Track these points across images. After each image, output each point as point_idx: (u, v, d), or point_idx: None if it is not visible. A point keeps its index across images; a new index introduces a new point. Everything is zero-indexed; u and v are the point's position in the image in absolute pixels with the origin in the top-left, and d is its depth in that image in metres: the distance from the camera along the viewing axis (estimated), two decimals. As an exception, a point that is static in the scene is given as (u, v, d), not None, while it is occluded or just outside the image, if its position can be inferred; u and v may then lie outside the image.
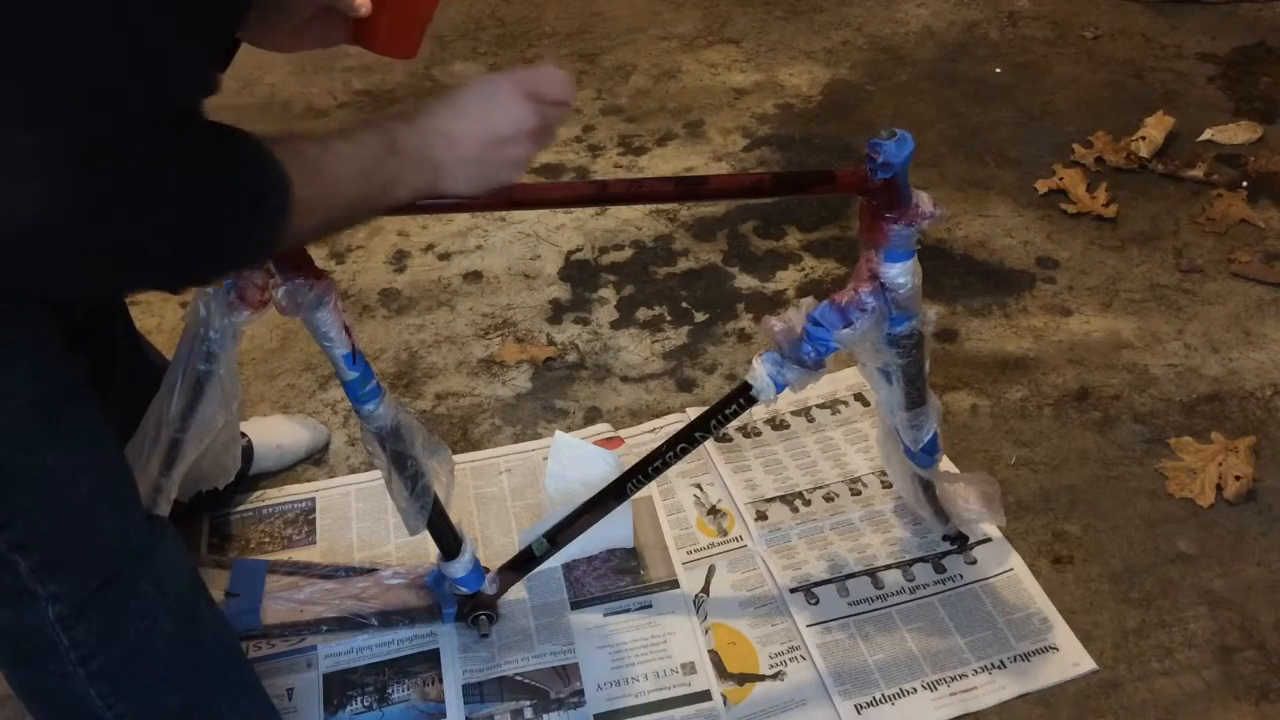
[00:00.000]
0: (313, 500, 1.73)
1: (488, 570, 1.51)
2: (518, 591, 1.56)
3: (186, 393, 1.32)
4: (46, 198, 0.79)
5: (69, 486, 1.04)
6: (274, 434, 1.77)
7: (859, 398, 1.87)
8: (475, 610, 1.51)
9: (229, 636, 1.25)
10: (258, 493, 1.74)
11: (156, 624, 1.12)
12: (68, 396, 1.05)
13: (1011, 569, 1.58)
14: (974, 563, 1.59)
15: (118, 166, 0.81)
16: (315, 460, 1.80)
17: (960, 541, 1.60)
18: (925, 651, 1.48)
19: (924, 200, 1.22)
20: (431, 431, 1.37)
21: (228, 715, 1.23)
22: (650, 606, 1.56)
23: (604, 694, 1.45)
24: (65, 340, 1.06)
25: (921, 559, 1.60)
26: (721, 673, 1.47)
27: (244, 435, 1.71)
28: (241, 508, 1.72)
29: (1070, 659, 1.46)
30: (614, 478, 1.44)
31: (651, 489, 1.68)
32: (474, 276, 2.18)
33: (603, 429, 1.83)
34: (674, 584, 1.59)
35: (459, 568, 1.46)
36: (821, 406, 1.86)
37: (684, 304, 2.10)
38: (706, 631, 1.52)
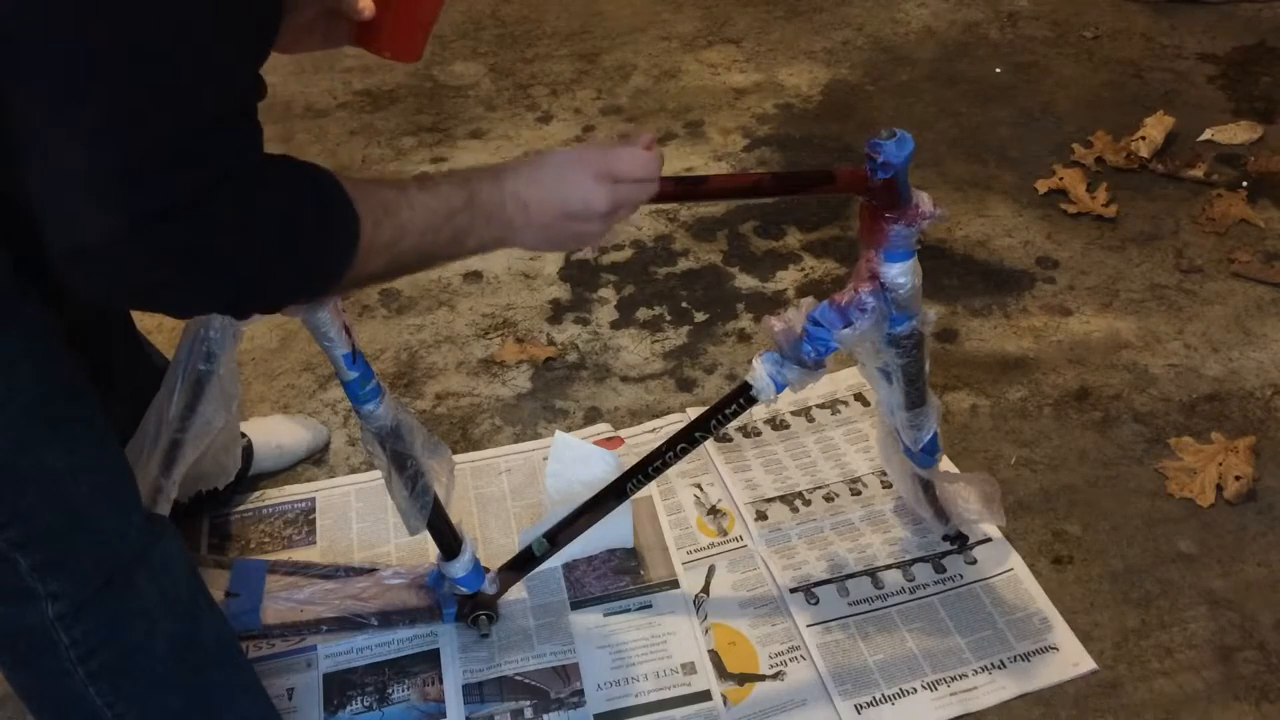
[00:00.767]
0: (313, 500, 1.73)
1: (488, 570, 1.51)
2: (518, 591, 1.56)
3: (186, 393, 1.32)
4: (124, 225, 0.81)
5: (70, 486, 1.04)
6: (274, 434, 1.77)
7: (859, 398, 1.87)
8: (475, 610, 1.51)
9: (229, 636, 1.25)
10: (258, 493, 1.74)
11: (156, 623, 1.12)
12: (69, 396, 1.05)
13: (1011, 569, 1.58)
14: (974, 563, 1.59)
15: (197, 197, 0.82)
16: (315, 460, 1.80)
17: (960, 541, 1.60)
18: (925, 651, 1.48)
19: (924, 200, 1.23)
20: (431, 431, 1.37)
21: (227, 715, 1.23)
22: (650, 606, 1.56)
23: (604, 694, 1.45)
24: (66, 340, 1.06)
25: (921, 559, 1.60)
26: (721, 673, 1.47)
27: (244, 435, 1.71)
28: (241, 508, 1.72)
29: (1070, 659, 1.46)
30: (614, 478, 1.44)
31: (651, 489, 1.68)
32: (474, 276, 2.18)
33: (603, 429, 1.83)
34: (674, 584, 1.59)
35: (459, 568, 1.46)
36: (821, 406, 1.86)
37: (684, 304, 2.10)
38: (706, 631, 1.52)
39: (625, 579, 1.60)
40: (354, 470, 1.79)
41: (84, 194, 0.81)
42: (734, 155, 2.50)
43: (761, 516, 1.67)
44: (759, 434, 1.82)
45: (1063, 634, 1.49)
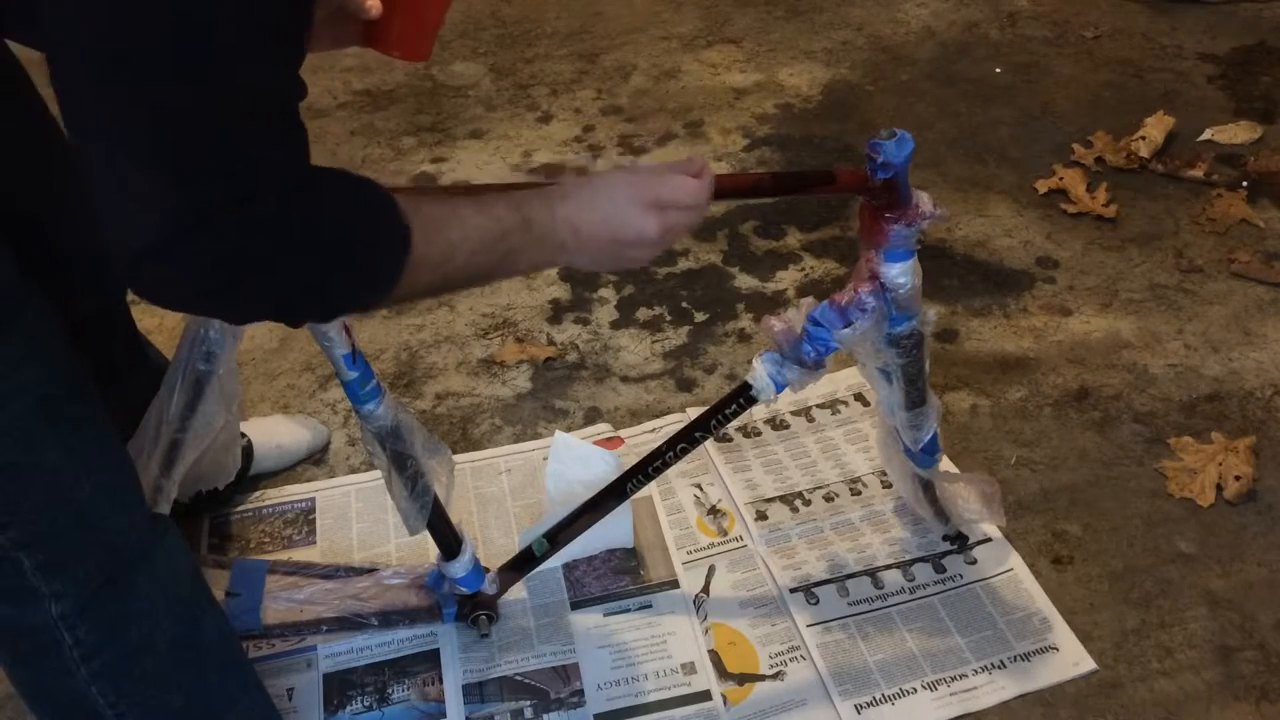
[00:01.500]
0: (313, 500, 1.73)
1: (488, 570, 1.51)
2: (518, 591, 1.56)
3: (186, 393, 1.32)
4: (173, 231, 0.82)
5: (73, 486, 1.05)
6: (274, 434, 1.77)
7: (859, 398, 1.87)
8: (475, 610, 1.51)
9: (230, 636, 1.25)
10: (258, 493, 1.74)
11: (158, 623, 1.13)
12: (72, 396, 1.05)
13: (1011, 569, 1.58)
14: (974, 563, 1.59)
15: (245, 202, 0.83)
16: (315, 460, 1.80)
17: (960, 541, 1.60)
18: (925, 651, 1.48)
19: (924, 200, 1.23)
20: (431, 431, 1.37)
21: (228, 715, 1.23)
22: (650, 606, 1.56)
23: (604, 694, 1.45)
24: (69, 340, 1.07)
25: (921, 559, 1.60)
26: (721, 673, 1.47)
27: (244, 435, 1.71)
28: (241, 508, 1.72)
29: (1070, 659, 1.46)
30: (614, 478, 1.44)
31: (651, 489, 1.68)
32: (474, 276, 2.17)
33: (603, 429, 1.83)
34: (674, 584, 1.59)
35: (459, 568, 1.46)
36: (821, 406, 1.86)
37: (684, 304, 2.10)
38: (706, 631, 1.52)
39: (625, 579, 1.60)
40: (354, 470, 1.79)
41: (134, 202, 0.82)
42: (734, 155, 2.50)
43: (761, 516, 1.67)
44: (759, 434, 1.82)
45: (1063, 634, 1.49)
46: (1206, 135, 2.45)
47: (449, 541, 1.45)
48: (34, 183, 1.22)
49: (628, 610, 1.56)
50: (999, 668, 1.45)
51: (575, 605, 1.56)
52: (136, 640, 1.12)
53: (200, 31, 0.79)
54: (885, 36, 2.92)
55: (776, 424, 1.84)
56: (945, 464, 1.64)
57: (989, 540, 1.61)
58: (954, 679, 1.44)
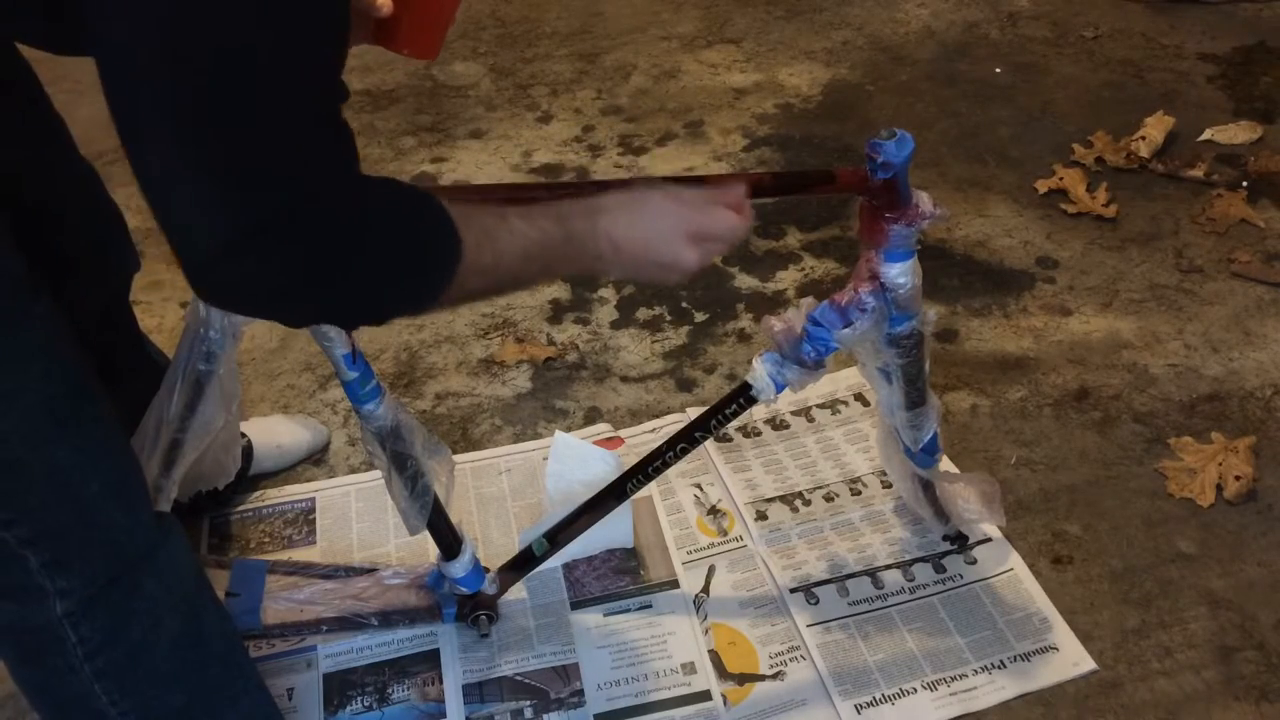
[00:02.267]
0: (313, 500, 1.73)
1: (488, 570, 1.51)
2: (518, 591, 1.56)
3: (186, 393, 1.32)
4: (226, 237, 0.84)
5: (80, 484, 1.05)
6: (274, 434, 1.77)
7: (859, 398, 1.87)
8: (475, 610, 1.51)
9: (232, 635, 1.26)
10: (258, 493, 1.74)
11: (162, 622, 1.13)
12: (80, 395, 1.06)
13: (1011, 569, 1.58)
14: (974, 563, 1.59)
15: (305, 211, 0.85)
16: (315, 460, 1.80)
17: (960, 541, 1.60)
18: (925, 651, 1.48)
19: (924, 200, 1.23)
20: (431, 431, 1.37)
21: (230, 713, 1.24)
22: (650, 606, 1.56)
23: (604, 694, 1.45)
24: (75, 338, 1.07)
25: (921, 559, 1.60)
26: (721, 673, 1.47)
27: (244, 435, 1.71)
28: (241, 508, 1.72)
29: (1070, 659, 1.46)
30: (614, 478, 1.44)
31: (651, 489, 1.68)
32: (474, 276, 2.17)
33: (603, 429, 1.83)
34: (674, 584, 1.59)
35: (459, 568, 1.47)
36: (821, 406, 1.86)
37: (684, 304, 2.10)
38: (706, 631, 1.52)
39: (625, 579, 1.60)
40: (354, 470, 1.79)
41: (191, 208, 0.84)
42: (734, 155, 2.50)
43: (761, 516, 1.67)
44: (759, 434, 1.82)
45: (1063, 634, 1.49)
46: (1206, 135, 2.45)
47: (449, 541, 1.45)
48: (41, 182, 1.23)
49: (628, 610, 1.56)
50: (999, 668, 1.45)
51: (575, 605, 1.56)
52: (140, 639, 1.12)
53: (254, 36, 0.80)
54: (885, 36, 2.92)
55: (776, 424, 1.84)
56: (945, 464, 1.64)
57: (989, 540, 1.61)
58: (954, 679, 1.44)
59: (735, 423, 1.42)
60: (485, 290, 1.03)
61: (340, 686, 1.47)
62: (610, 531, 1.58)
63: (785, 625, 1.52)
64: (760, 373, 1.29)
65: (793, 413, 1.85)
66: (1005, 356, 1.94)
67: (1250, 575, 1.56)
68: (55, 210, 1.23)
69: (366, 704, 1.45)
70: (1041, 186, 2.33)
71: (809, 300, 1.29)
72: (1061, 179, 2.33)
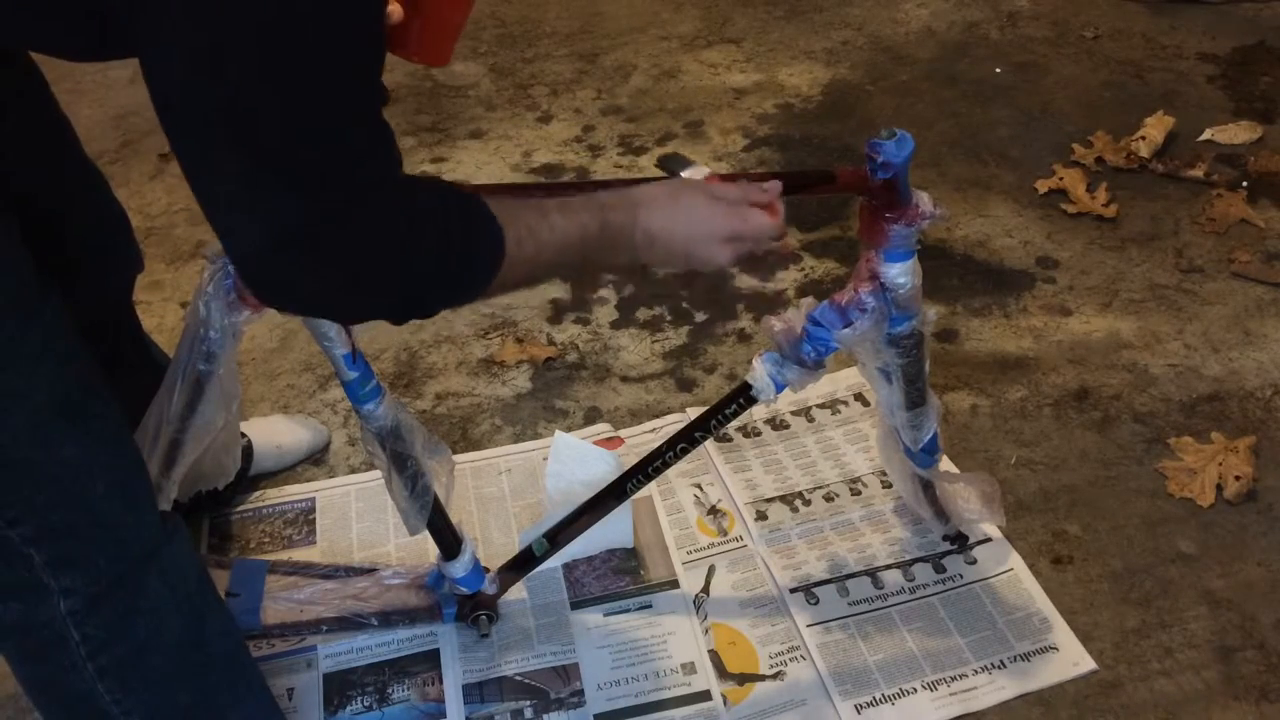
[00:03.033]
0: (313, 500, 1.73)
1: (488, 570, 1.51)
2: (518, 591, 1.56)
3: (186, 393, 1.32)
4: (273, 236, 0.87)
5: (86, 482, 1.05)
6: (274, 434, 1.77)
7: (859, 398, 1.87)
8: (475, 610, 1.51)
9: (235, 635, 1.26)
10: (258, 493, 1.74)
11: (165, 621, 1.13)
12: (88, 393, 1.06)
13: (1011, 569, 1.58)
14: (974, 563, 1.59)
15: (350, 210, 0.88)
16: (315, 460, 1.80)
17: (960, 541, 1.60)
18: (925, 651, 1.48)
19: (924, 200, 1.23)
20: (431, 431, 1.37)
21: (232, 712, 1.24)
22: (650, 606, 1.56)
23: (604, 694, 1.45)
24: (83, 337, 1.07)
25: (921, 559, 1.60)
26: (721, 673, 1.47)
27: (244, 435, 1.71)
28: (241, 508, 1.72)
29: (1070, 659, 1.46)
30: (614, 478, 1.44)
31: (651, 489, 1.68)
32: (474, 276, 2.17)
33: (603, 429, 1.83)
34: (674, 584, 1.59)
35: (459, 568, 1.47)
36: (821, 406, 1.86)
37: (684, 304, 2.10)
38: (706, 631, 1.52)
39: (625, 579, 1.60)
40: (354, 470, 1.79)
41: (242, 207, 0.86)
42: (734, 155, 2.50)
43: (761, 516, 1.67)
44: (759, 434, 1.82)
45: (1063, 634, 1.49)
46: (1206, 135, 2.45)
47: (449, 541, 1.45)
48: (49, 183, 1.24)
49: (628, 610, 1.56)
50: (999, 668, 1.45)
51: (575, 605, 1.56)
52: (143, 638, 1.12)
53: (296, 37, 0.81)
54: (885, 36, 2.92)
55: (776, 424, 1.84)
56: (945, 464, 1.64)
57: (989, 540, 1.61)
58: (954, 679, 1.44)
59: (735, 423, 1.42)
60: (525, 281, 1.07)
61: (340, 686, 1.47)
62: (610, 531, 1.58)
63: (785, 625, 1.52)
64: (760, 373, 1.29)
65: (793, 413, 1.85)
66: (1005, 356, 1.94)
67: (1250, 575, 1.56)
68: (62, 210, 1.24)
69: (366, 704, 1.45)
70: (1041, 186, 2.33)
71: (809, 300, 1.29)
72: (1061, 179, 2.33)
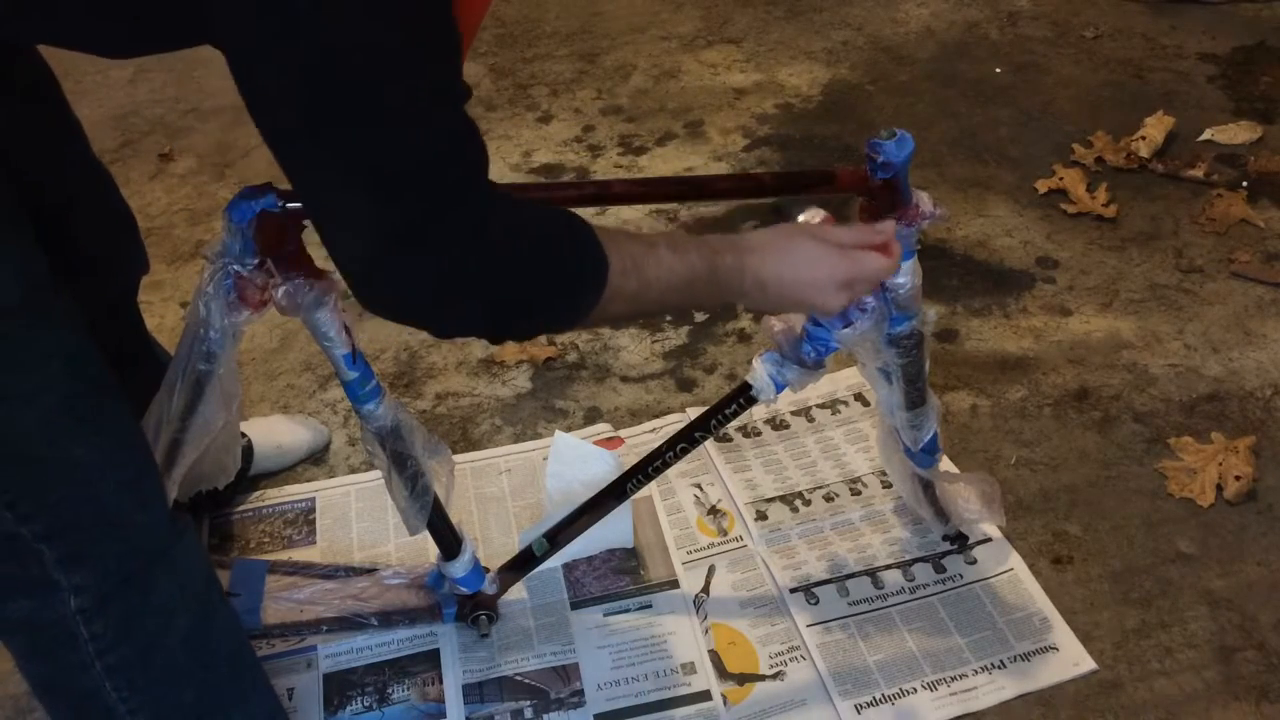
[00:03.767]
0: (313, 500, 1.73)
1: (488, 570, 1.51)
2: (518, 591, 1.56)
3: (186, 393, 1.32)
4: (375, 252, 0.89)
5: (97, 480, 1.06)
6: (274, 434, 1.77)
7: (859, 398, 1.87)
8: (475, 610, 1.51)
9: (240, 634, 1.26)
10: (258, 493, 1.74)
11: (174, 620, 1.14)
12: (100, 392, 1.07)
13: (1011, 569, 1.58)
14: (974, 563, 1.59)
15: (454, 218, 0.89)
16: (315, 460, 1.80)
17: (960, 541, 1.60)
18: (925, 651, 1.48)
19: (924, 200, 1.23)
20: (431, 431, 1.37)
21: (237, 711, 1.24)
22: (650, 606, 1.56)
23: (604, 694, 1.45)
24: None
25: (921, 559, 1.60)
26: (721, 673, 1.47)
27: (244, 435, 1.71)
28: (241, 508, 1.72)
29: (1070, 659, 1.46)
30: (614, 478, 1.44)
31: (651, 489, 1.68)
32: (474, 276, 2.17)
33: (603, 429, 1.83)
34: (674, 584, 1.59)
35: (459, 568, 1.46)
36: (821, 406, 1.86)
37: (684, 304, 2.09)
38: (706, 631, 1.52)
39: (625, 579, 1.60)
40: (354, 470, 1.79)
41: (346, 217, 0.88)
42: (734, 155, 2.50)
43: (761, 516, 1.67)
44: (759, 434, 1.82)
45: (1063, 634, 1.49)
46: (1206, 135, 2.45)
47: (449, 541, 1.45)
48: (59, 182, 1.25)
49: (628, 610, 1.56)
50: (999, 668, 1.45)
51: (575, 605, 1.56)
52: (152, 636, 1.13)
53: (382, 38, 0.82)
54: (885, 36, 2.92)
55: (776, 424, 1.84)
56: (945, 464, 1.64)
57: (989, 540, 1.61)
58: (954, 679, 1.44)
59: (735, 423, 1.42)
60: (626, 315, 1.09)
61: (340, 686, 1.47)
62: (610, 531, 1.58)
63: (785, 625, 1.52)
64: (760, 373, 1.29)
65: (793, 413, 1.85)
66: (1005, 356, 1.94)
67: (1250, 575, 1.56)
68: (71, 210, 1.25)
69: (366, 704, 1.45)
70: (1041, 186, 2.33)
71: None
72: (1061, 179, 2.33)
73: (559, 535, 1.46)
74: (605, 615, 1.55)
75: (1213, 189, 2.30)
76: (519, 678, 1.47)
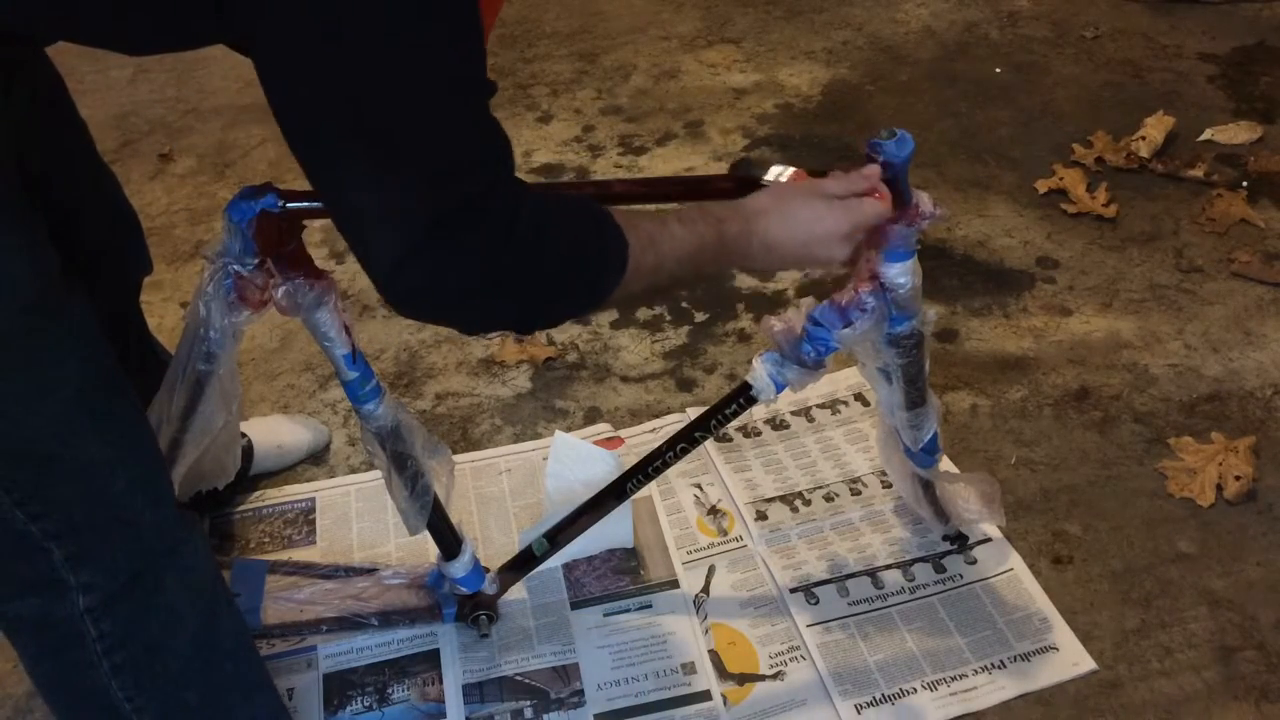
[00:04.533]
0: (313, 500, 1.73)
1: (488, 570, 1.51)
2: (518, 591, 1.56)
3: (186, 393, 1.32)
4: (401, 251, 0.90)
5: (108, 478, 1.06)
6: (274, 434, 1.77)
7: (859, 398, 1.87)
8: (475, 610, 1.51)
9: (244, 634, 1.26)
10: (258, 493, 1.74)
11: (181, 619, 1.14)
12: (110, 390, 1.07)
13: (1011, 569, 1.58)
14: (974, 563, 1.59)
15: (483, 214, 0.91)
16: (315, 460, 1.80)
17: (960, 541, 1.60)
18: (925, 651, 1.48)
19: (924, 200, 1.23)
20: (431, 431, 1.37)
21: (241, 710, 1.24)
22: (650, 606, 1.56)
23: (604, 694, 1.45)
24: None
25: (921, 559, 1.60)
26: (721, 673, 1.47)
27: (244, 435, 1.71)
28: (241, 508, 1.72)
29: (1070, 659, 1.46)
30: (614, 478, 1.44)
31: (651, 489, 1.68)
32: (474, 276, 2.17)
33: (603, 429, 1.83)
34: (674, 584, 1.59)
35: (459, 568, 1.47)
36: (821, 406, 1.86)
37: (684, 304, 2.09)
38: (706, 631, 1.52)
39: (625, 579, 1.60)
40: (354, 470, 1.79)
41: (375, 216, 0.89)
42: (734, 155, 2.50)
43: (761, 516, 1.67)
44: (759, 434, 1.82)
45: (1063, 634, 1.49)
46: (1206, 135, 2.45)
47: (449, 541, 1.45)
48: (67, 183, 1.25)
49: (628, 610, 1.56)
50: (999, 668, 1.45)
51: (575, 605, 1.56)
52: (159, 635, 1.13)
53: (410, 35, 0.83)
54: (885, 36, 2.92)
55: (776, 424, 1.84)
56: (945, 464, 1.64)
57: (989, 540, 1.61)
58: (954, 679, 1.44)
59: (735, 423, 1.42)
60: (644, 291, 1.11)
61: (340, 686, 1.47)
62: (610, 531, 1.58)
63: (785, 625, 1.52)
64: (760, 373, 1.29)
65: (793, 413, 1.85)
66: (1005, 356, 1.94)
67: (1250, 575, 1.56)
68: (78, 210, 1.25)
69: (366, 704, 1.45)
70: (1041, 186, 2.33)
71: (809, 300, 1.29)
72: (1061, 179, 2.33)
73: (559, 535, 1.46)
74: (605, 615, 1.55)
75: (1213, 189, 2.30)
76: (519, 678, 1.47)
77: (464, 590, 1.49)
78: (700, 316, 2.07)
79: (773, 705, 1.43)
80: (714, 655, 1.49)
